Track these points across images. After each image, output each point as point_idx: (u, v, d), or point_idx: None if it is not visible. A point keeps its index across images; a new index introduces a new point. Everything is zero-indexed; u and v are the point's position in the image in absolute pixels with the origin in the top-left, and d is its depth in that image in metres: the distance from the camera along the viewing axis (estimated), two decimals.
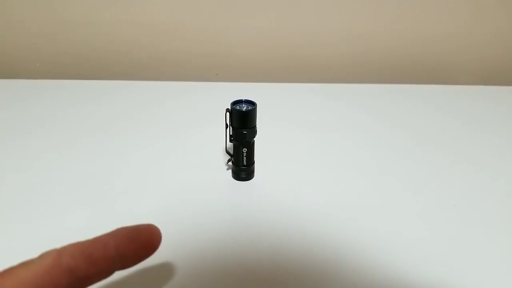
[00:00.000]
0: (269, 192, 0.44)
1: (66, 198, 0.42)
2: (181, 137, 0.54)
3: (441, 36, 0.77)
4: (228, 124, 0.42)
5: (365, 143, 0.55)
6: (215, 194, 0.43)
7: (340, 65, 0.79)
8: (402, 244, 0.37)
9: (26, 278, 0.19)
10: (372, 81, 0.77)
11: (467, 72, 0.81)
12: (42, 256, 0.21)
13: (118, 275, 0.24)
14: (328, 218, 0.40)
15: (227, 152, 0.45)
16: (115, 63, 0.77)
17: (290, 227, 0.39)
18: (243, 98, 0.42)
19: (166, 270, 0.33)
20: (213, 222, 0.39)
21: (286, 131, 0.57)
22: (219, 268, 0.34)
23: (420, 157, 0.52)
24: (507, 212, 0.42)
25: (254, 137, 0.43)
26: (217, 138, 0.47)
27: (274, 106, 0.63)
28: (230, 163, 0.46)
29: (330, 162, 0.50)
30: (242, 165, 0.44)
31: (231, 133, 0.43)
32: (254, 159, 0.45)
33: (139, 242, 0.24)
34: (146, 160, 0.49)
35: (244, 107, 0.42)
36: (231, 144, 0.44)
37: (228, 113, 0.42)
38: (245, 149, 0.43)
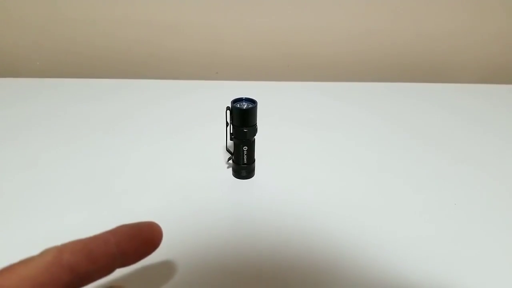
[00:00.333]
0: (269, 190, 0.44)
1: (67, 196, 0.42)
2: (181, 136, 0.54)
3: (442, 34, 0.77)
4: (229, 122, 0.42)
5: (366, 141, 0.55)
6: (215, 192, 0.43)
7: (340, 63, 0.79)
8: (403, 242, 0.37)
9: (26, 276, 0.19)
10: (372, 79, 0.77)
11: (468, 71, 0.81)
12: (42, 254, 0.21)
13: (118, 272, 0.24)
14: (328, 216, 0.40)
15: (228, 150, 0.45)
16: (116, 62, 0.77)
17: (290, 225, 0.39)
18: (244, 96, 0.42)
19: (167, 268, 0.33)
20: (213, 220, 0.39)
21: (287, 130, 0.57)
22: (219, 266, 0.34)
23: (420, 155, 0.52)
24: (508, 210, 0.42)
25: (255, 135, 0.43)
26: (218, 136, 0.47)
27: (274, 104, 0.63)
28: (230, 161, 0.46)
29: (331, 160, 0.50)
30: (242, 163, 0.44)
31: (231, 131, 0.43)
32: (255, 157, 0.45)
33: (140, 239, 0.24)
34: (146, 159, 0.49)
35: (245, 105, 0.42)
36: (232, 142, 0.44)
37: (228, 111, 0.42)
38: (245, 147, 0.43)
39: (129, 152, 0.50)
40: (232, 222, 0.39)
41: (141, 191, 0.43)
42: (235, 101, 0.42)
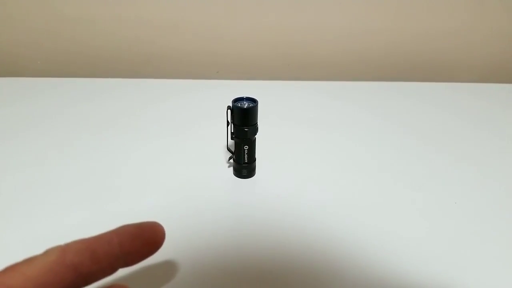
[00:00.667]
0: (270, 189, 0.44)
1: (68, 195, 0.42)
2: (182, 135, 0.55)
3: (442, 33, 0.77)
4: (230, 122, 0.43)
5: (366, 140, 0.55)
6: (216, 191, 0.44)
7: (341, 62, 0.79)
8: (403, 242, 0.37)
9: (30, 275, 0.19)
10: (373, 78, 0.77)
11: (468, 70, 0.81)
12: (46, 253, 0.21)
13: (120, 271, 0.24)
14: (329, 216, 0.40)
15: (229, 150, 0.45)
16: (116, 61, 0.77)
17: (291, 224, 0.39)
18: (244, 95, 0.42)
19: (168, 267, 0.34)
20: (214, 220, 0.39)
21: (287, 129, 0.57)
22: (220, 265, 0.34)
23: (421, 155, 0.52)
24: (508, 209, 0.42)
25: (255, 134, 0.43)
26: (218, 135, 0.47)
27: (275, 103, 0.63)
28: (231, 160, 0.46)
29: (331, 159, 0.50)
30: (243, 163, 0.44)
31: (232, 131, 0.43)
32: (255, 157, 0.45)
33: (143, 239, 0.24)
34: (147, 158, 0.49)
35: (245, 104, 0.42)
36: (233, 141, 0.44)
37: (229, 111, 0.42)
38: (246, 146, 0.43)
39: (130, 151, 0.50)
40: (233, 221, 0.39)
41: (142, 190, 0.43)
42: (236, 100, 0.42)
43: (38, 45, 0.75)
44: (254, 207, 0.41)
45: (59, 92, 0.66)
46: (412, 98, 0.69)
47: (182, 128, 0.56)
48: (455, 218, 0.41)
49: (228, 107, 0.42)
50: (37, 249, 0.21)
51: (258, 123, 0.43)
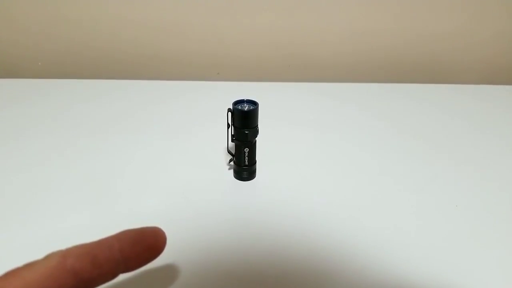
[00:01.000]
0: (270, 191, 0.44)
1: (68, 197, 0.42)
2: (182, 137, 0.55)
3: (442, 35, 0.77)
4: (230, 124, 0.43)
5: (367, 143, 0.55)
6: (217, 193, 0.44)
7: (341, 64, 0.79)
8: (404, 244, 0.37)
9: (31, 280, 0.19)
10: (374, 80, 0.77)
11: (468, 71, 0.81)
12: (47, 258, 0.21)
13: (121, 275, 0.24)
14: (329, 218, 0.40)
15: (229, 152, 0.45)
16: (117, 63, 0.77)
17: (291, 226, 0.39)
18: (245, 97, 0.42)
19: (168, 270, 0.34)
20: (214, 222, 0.39)
21: (288, 131, 0.57)
22: (221, 268, 0.34)
23: (422, 157, 0.52)
24: (509, 212, 0.42)
25: (256, 136, 0.43)
26: (219, 137, 0.47)
27: (275, 105, 0.63)
28: (232, 163, 0.46)
29: (332, 162, 0.50)
30: (244, 165, 0.44)
31: (233, 133, 0.43)
32: (256, 159, 0.46)
33: (144, 245, 0.24)
34: (147, 160, 0.49)
35: (246, 107, 0.42)
36: (233, 144, 0.44)
37: (230, 113, 0.42)
38: (247, 149, 0.43)
39: (131, 153, 0.50)
40: (233, 223, 0.39)
41: (143, 192, 0.43)
42: (236, 102, 0.42)
43: (38, 47, 0.75)
44: (255, 209, 0.41)
45: (59, 94, 0.66)
46: (413, 99, 0.69)
47: (183, 130, 0.56)
48: (456, 221, 0.41)
49: (229, 110, 0.42)
50: (37, 252, 0.21)
51: (258, 125, 0.43)
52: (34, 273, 0.20)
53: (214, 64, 0.78)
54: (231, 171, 0.47)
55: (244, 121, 0.41)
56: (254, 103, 0.42)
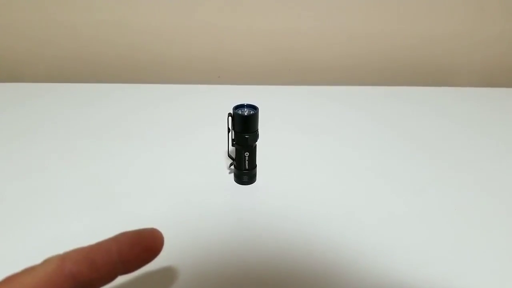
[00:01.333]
0: (271, 195, 0.44)
1: (69, 201, 0.42)
2: (183, 140, 0.55)
3: (442, 37, 0.77)
4: (230, 128, 0.43)
5: (367, 146, 0.55)
6: (217, 197, 0.44)
7: (342, 67, 0.79)
8: (403, 248, 0.37)
9: (29, 285, 0.19)
10: (374, 83, 0.77)
11: (468, 74, 0.81)
12: (45, 262, 0.21)
13: (120, 277, 0.24)
14: (329, 221, 0.40)
15: (229, 156, 0.45)
16: (117, 66, 0.77)
17: (292, 230, 0.39)
18: (245, 102, 0.43)
19: (168, 273, 0.34)
20: (215, 226, 0.39)
21: (288, 135, 0.57)
22: (221, 271, 0.34)
23: (421, 160, 0.52)
24: (508, 215, 0.42)
25: (256, 141, 0.43)
26: (220, 141, 0.47)
27: (276, 109, 0.63)
28: (232, 167, 0.46)
29: (332, 165, 0.50)
30: (244, 169, 0.45)
31: (233, 137, 0.43)
32: (256, 163, 0.46)
33: (142, 246, 0.24)
34: (148, 163, 0.49)
35: (246, 112, 0.42)
36: (233, 148, 0.44)
37: (230, 118, 0.42)
38: (247, 153, 0.43)
39: (131, 157, 0.51)
40: (234, 227, 0.39)
41: (143, 196, 0.44)
42: (236, 107, 0.42)
43: (39, 51, 0.76)
44: (255, 213, 0.41)
45: (60, 98, 0.67)
46: (413, 102, 0.69)
47: (183, 133, 0.57)
48: (454, 224, 0.41)
49: (229, 114, 0.42)
50: (38, 255, 0.21)
51: (259, 129, 0.43)
52: (32, 278, 0.20)
53: (215, 67, 0.78)
54: (232, 175, 0.47)
55: (244, 125, 0.42)
56: (254, 108, 0.42)
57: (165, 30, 0.74)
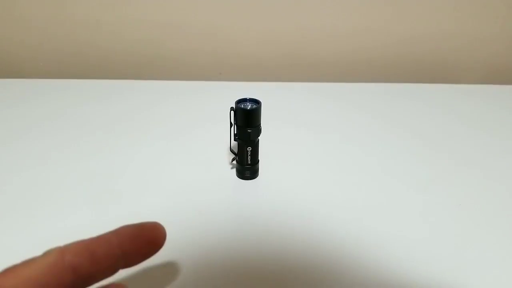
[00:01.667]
0: (273, 191, 0.44)
1: (70, 196, 0.42)
2: (185, 136, 0.55)
3: (444, 35, 0.77)
4: (233, 123, 0.43)
5: (370, 143, 0.55)
6: (219, 193, 0.43)
7: (344, 64, 0.79)
8: (407, 244, 0.37)
9: (29, 276, 0.19)
10: (377, 80, 0.77)
11: (470, 71, 0.81)
12: (45, 254, 0.21)
13: (122, 272, 0.24)
14: (332, 217, 0.40)
15: (232, 151, 0.45)
16: (119, 62, 0.77)
17: (294, 226, 0.39)
18: (248, 97, 0.42)
19: (170, 268, 0.34)
20: (217, 221, 0.39)
21: (291, 130, 0.57)
22: (223, 266, 0.34)
23: (424, 157, 0.51)
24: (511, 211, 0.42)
25: (259, 135, 0.43)
26: (222, 137, 0.47)
27: (278, 105, 0.63)
28: (234, 162, 0.46)
29: (335, 161, 0.50)
30: (246, 164, 0.44)
31: (235, 132, 0.43)
32: (259, 158, 0.45)
33: (143, 240, 0.23)
34: (150, 159, 0.49)
35: (249, 106, 0.42)
36: (236, 143, 0.44)
37: (232, 112, 0.42)
38: (249, 148, 0.43)
39: (133, 153, 0.50)
40: (236, 222, 0.39)
41: (145, 191, 0.43)
42: (239, 101, 0.42)
43: (40, 47, 0.75)
44: (257, 208, 0.41)
45: (61, 94, 0.66)
46: (415, 99, 0.69)
47: (185, 129, 0.56)
48: (459, 220, 0.40)
49: (231, 109, 0.42)
50: (39, 251, 0.21)
51: (261, 124, 0.43)
52: (32, 270, 0.20)
53: (216, 64, 0.78)
54: (234, 170, 0.47)
55: (246, 119, 0.41)
56: (256, 102, 0.42)
57: (166, 27, 0.74)
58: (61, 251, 0.21)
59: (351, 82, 0.75)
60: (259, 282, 0.33)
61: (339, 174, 0.47)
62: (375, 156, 0.51)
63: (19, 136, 0.53)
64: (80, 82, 0.71)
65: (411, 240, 0.37)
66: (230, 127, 0.43)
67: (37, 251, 0.21)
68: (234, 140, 0.43)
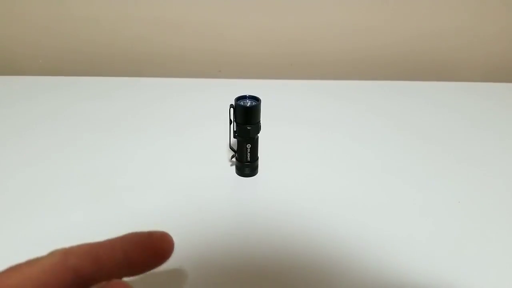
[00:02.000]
0: (272, 188, 0.44)
1: (71, 195, 0.42)
2: (185, 134, 0.54)
3: (444, 32, 0.77)
4: (232, 120, 0.42)
5: (369, 140, 0.54)
6: (219, 190, 0.43)
7: (343, 61, 0.79)
8: (406, 241, 0.37)
9: (31, 275, 0.19)
10: (376, 78, 0.77)
11: (470, 69, 0.81)
12: (49, 255, 0.21)
13: None
14: (331, 215, 0.40)
15: (231, 148, 0.45)
16: (118, 60, 0.77)
17: (293, 223, 0.39)
18: (247, 94, 0.42)
19: (169, 265, 0.33)
20: (216, 218, 0.39)
21: (290, 128, 0.57)
22: (222, 263, 0.34)
23: (423, 154, 0.51)
24: (511, 209, 0.42)
25: (258, 132, 0.43)
26: (221, 134, 0.47)
27: (277, 103, 0.63)
28: (234, 159, 0.46)
29: (334, 159, 0.50)
30: (246, 161, 0.44)
31: (235, 129, 0.43)
32: (258, 155, 0.45)
33: (149, 249, 0.23)
34: (150, 156, 0.49)
35: (248, 103, 0.42)
36: (235, 140, 0.44)
37: (232, 109, 0.42)
38: (249, 145, 0.43)
39: (133, 150, 0.50)
40: (235, 220, 0.39)
41: (145, 189, 0.43)
42: (238, 98, 0.42)
43: (39, 44, 0.75)
44: (257, 205, 0.41)
45: (60, 91, 0.66)
46: (415, 97, 0.68)
47: (185, 127, 0.56)
48: (458, 218, 0.40)
49: (231, 106, 0.42)
50: (40, 249, 0.21)
51: (261, 121, 0.43)
52: (34, 268, 0.20)
53: (216, 61, 0.78)
54: (233, 167, 0.47)
55: (246, 116, 0.41)
56: (256, 99, 0.42)
57: (165, 24, 0.74)
58: (65, 252, 0.21)
59: (351, 80, 0.75)
60: (258, 279, 0.33)
61: (338, 171, 0.47)
62: (375, 153, 0.51)
63: (19, 134, 0.53)
64: (79, 79, 0.71)
65: (411, 237, 0.37)
66: (230, 124, 0.43)
67: (39, 248, 0.21)
68: (234, 137, 0.43)
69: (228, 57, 0.78)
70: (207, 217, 0.39)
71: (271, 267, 0.34)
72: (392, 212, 0.41)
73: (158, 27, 0.74)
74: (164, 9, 0.72)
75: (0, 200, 0.41)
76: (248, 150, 0.43)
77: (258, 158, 0.45)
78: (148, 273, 0.32)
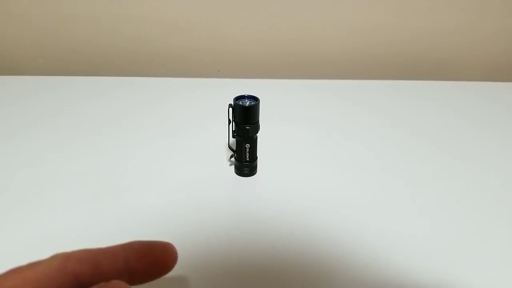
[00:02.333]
0: (271, 188, 0.44)
1: (70, 193, 0.42)
2: (184, 133, 0.54)
3: (444, 32, 0.77)
4: (231, 120, 0.42)
5: (368, 139, 0.54)
6: (218, 189, 0.43)
7: (343, 61, 0.79)
8: (405, 240, 0.37)
9: (30, 278, 0.19)
10: (375, 77, 0.77)
11: (470, 68, 0.81)
12: (50, 258, 0.21)
13: None
14: (330, 214, 0.40)
15: (230, 148, 0.45)
16: (118, 60, 0.77)
17: (292, 223, 0.39)
18: (246, 93, 0.42)
19: None
20: (215, 218, 0.39)
21: (289, 127, 0.57)
22: (221, 262, 0.34)
23: (423, 154, 0.51)
24: (510, 207, 0.42)
25: (257, 132, 0.43)
26: (220, 134, 0.47)
27: (277, 102, 0.63)
28: (233, 159, 0.46)
29: (333, 158, 0.50)
30: (245, 161, 0.44)
31: (233, 129, 0.43)
32: (257, 155, 0.45)
33: (151, 259, 0.23)
34: (149, 156, 0.49)
35: (247, 103, 0.42)
36: (234, 139, 0.44)
37: (231, 109, 0.42)
38: (247, 144, 0.43)
39: (132, 150, 0.50)
40: (234, 219, 0.39)
41: (144, 188, 0.43)
42: (237, 98, 0.42)
43: (39, 43, 0.75)
44: (256, 205, 0.41)
45: (60, 91, 0.66)
46: (414, 96, 0.68)
47: (184, 126, 0.56)
48: (457, 217, 0.40)
49: (230, 105, 0.42)
50: (39, 249, 0.21)
51: (259, 121, 0.43)
52: (33, 272, 0.20)
53: (215, 61, 0.78)
54: (232, 167, 0.47)
55: (245, 116, 0.41)
56: (255, 99, 0.42)
57: (165, 24, 0.74)
58: (66, 257, 0.21)
59: (351, 79, 0.75)
60: (257, 279, 0.33)
61: (337, 170, 0.47)
62: (374, 152, 0.51)
63: (18, 134, 0.53)
64: (79, 79, 0.71)
65: (410, 236, 0.37)
66: (229, 124, 0.43)
67: (39, 250, 0.21)
68: (233, 137, 0.43)
69: (227, 56, 0.78)
70: (206, 217, 0.39)
71: (270, 266, 0.34)
72: (392, 211, 0.41)
73: (157, 27, 0.74)
74: (163, 9, 0.72)
75: (0, 200, 0.41)
76: (247, 149, 0.44)
77: (257, 158, 0.45)
78: None
